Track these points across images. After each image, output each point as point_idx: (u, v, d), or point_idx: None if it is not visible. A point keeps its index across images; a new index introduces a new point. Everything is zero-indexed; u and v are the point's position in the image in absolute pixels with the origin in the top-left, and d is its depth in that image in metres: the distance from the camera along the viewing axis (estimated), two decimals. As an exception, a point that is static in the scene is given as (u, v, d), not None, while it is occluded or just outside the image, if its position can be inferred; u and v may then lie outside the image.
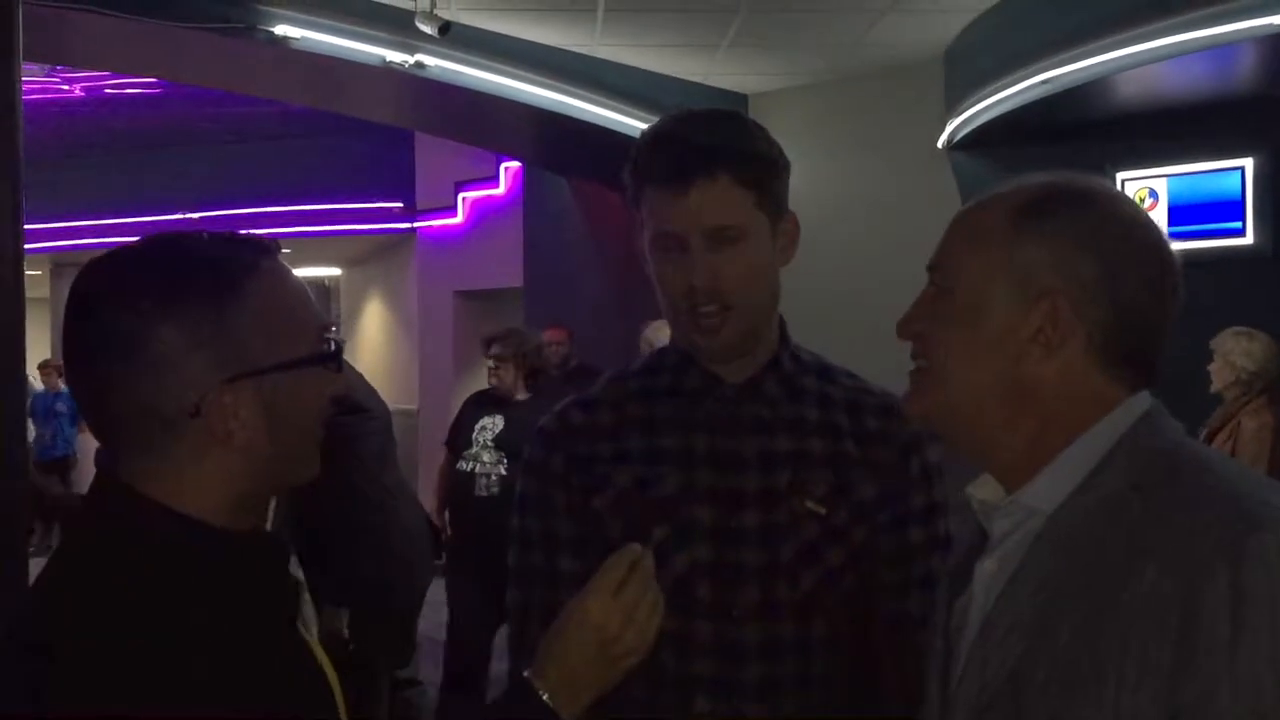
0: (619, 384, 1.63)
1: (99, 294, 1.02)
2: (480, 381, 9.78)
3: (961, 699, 1.10)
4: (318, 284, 13.27)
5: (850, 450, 1.56)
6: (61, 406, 10.16)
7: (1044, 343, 1.09)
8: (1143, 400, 1.11)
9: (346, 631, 3.35)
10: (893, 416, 1.58)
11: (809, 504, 1.52)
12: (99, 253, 1.06)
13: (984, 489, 1.17)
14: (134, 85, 9.78)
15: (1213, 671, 0.94)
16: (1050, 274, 1.09)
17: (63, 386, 9.34)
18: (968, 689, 1.10)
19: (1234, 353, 4.56)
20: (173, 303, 1.00)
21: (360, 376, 4.17)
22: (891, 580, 1.57)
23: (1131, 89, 5.47)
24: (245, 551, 1.04)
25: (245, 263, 1.04)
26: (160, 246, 1.06)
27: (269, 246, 1.07)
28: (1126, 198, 1.17)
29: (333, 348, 1.08)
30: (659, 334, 6.39)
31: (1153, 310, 1.11)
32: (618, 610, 1.17)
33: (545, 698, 1.15)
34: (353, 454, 3.44)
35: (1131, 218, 1.13)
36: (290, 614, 1.09)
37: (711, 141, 1.50)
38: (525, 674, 1.17)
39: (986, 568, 1.13)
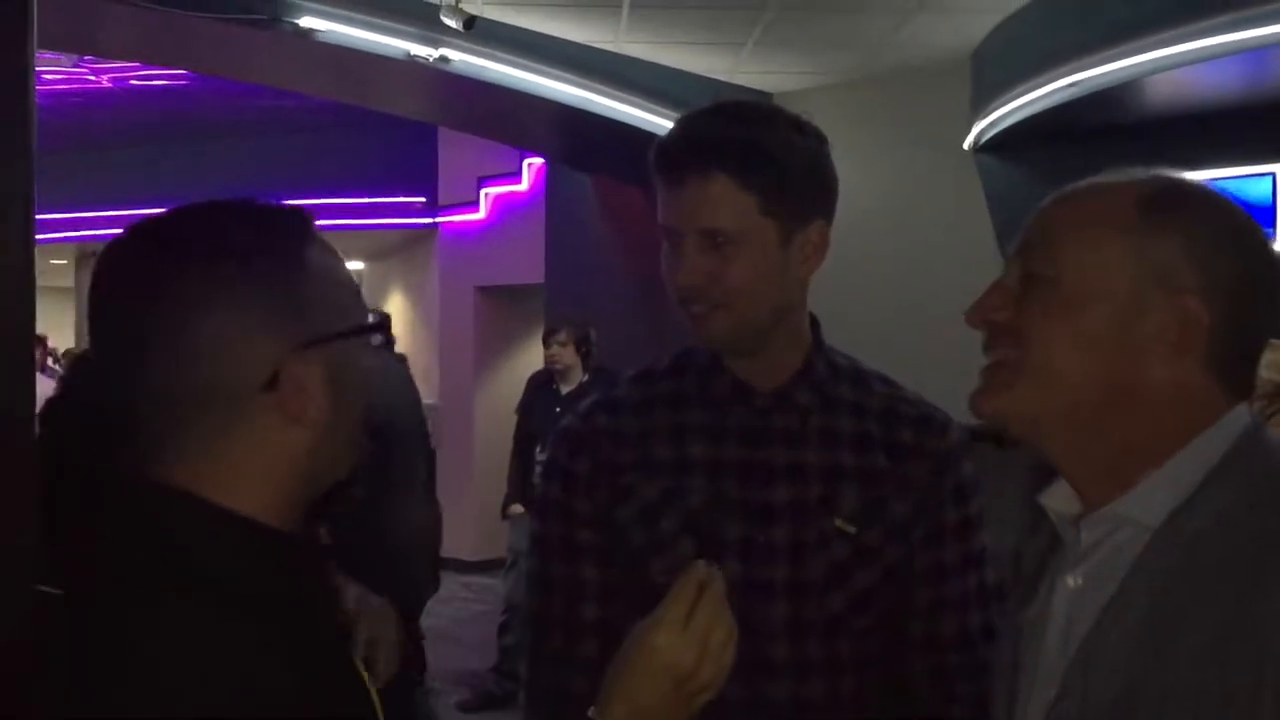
0: (644, 385, 1.57)
1: (146, 265, 0.91)
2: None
3: None
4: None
5: (882, 464, 1.49)
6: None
7: (1170, 342, 1.01)
8: (1244, 412, 1.05)
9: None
10: (929, 429, 1.53)
11: (838, 523, 1.46)
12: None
13: (1058, 499, 1.10)
14: (160, 77, 9.80)
15: None
16: (1190, 271, 1.02)
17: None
18: (1065, 712, 1.01)
19: (1260, 365, 4.48)
20: (240, 266, 0.91)
21: (400, 375, 4.03)
22: (925, 600, 1.51)
23: (1160, 93, 5.41)
24: (301, 557, 0.97)
25: (299, 226, 0.96)
26: (206, 212, 0.95)
27: (308, 215, 1.00)
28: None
29: (378, 318, 1.04)
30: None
31: (1270, 318, 1.06)
32: (691, 644, 1.05)
33: None
34: None
35: (1255, 224, 1.07)
36: (338, 624, 1.03)
37: (715, 140, 1.42)
38: (590, 713, 1.08)
39: (1069, 584, 1.06)
